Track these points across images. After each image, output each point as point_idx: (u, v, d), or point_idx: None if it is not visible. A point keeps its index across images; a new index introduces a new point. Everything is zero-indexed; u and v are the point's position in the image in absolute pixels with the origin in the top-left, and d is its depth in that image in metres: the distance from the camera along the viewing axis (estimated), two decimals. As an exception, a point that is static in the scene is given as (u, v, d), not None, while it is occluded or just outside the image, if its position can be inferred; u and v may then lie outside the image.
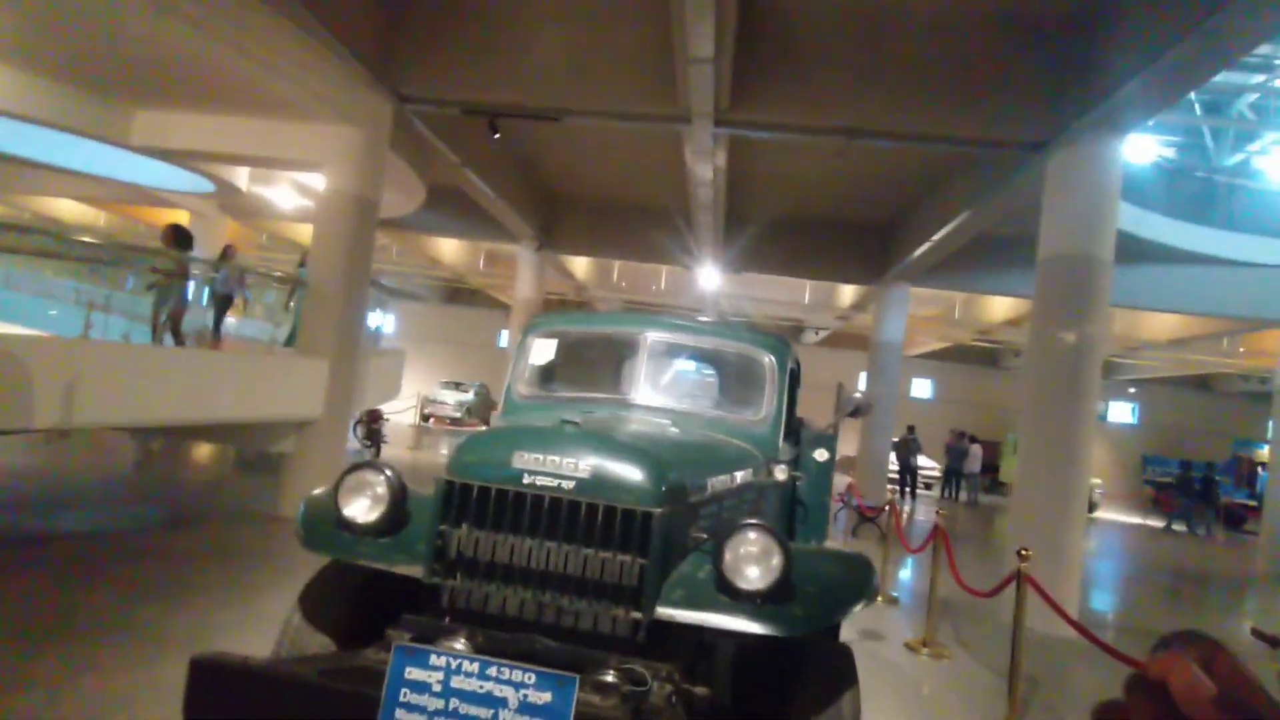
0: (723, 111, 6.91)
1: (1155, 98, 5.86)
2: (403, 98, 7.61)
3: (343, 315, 7.38)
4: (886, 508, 7.81)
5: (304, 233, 15.88)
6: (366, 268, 7.78)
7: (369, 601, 2.54)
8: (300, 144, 7.66)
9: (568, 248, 15.10)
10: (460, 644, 2.09)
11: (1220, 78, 17.39)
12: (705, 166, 8.50)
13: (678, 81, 6.58)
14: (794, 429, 3.98)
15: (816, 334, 25.03)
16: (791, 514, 4.25)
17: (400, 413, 19.01)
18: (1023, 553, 3.97)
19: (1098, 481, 18.90)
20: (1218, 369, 20.98)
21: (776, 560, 2.05)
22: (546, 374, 3.78)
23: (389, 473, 2.34)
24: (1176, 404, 25.22)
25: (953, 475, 19.03)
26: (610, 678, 1.99)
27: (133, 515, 7.16)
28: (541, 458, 2.15)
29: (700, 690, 2.15)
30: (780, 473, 3.22)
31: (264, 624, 3.95)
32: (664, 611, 2.07)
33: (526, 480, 2.14)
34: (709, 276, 15.26)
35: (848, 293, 17.98)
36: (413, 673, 1.80)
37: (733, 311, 21.35)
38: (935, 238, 10.21)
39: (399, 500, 2.34)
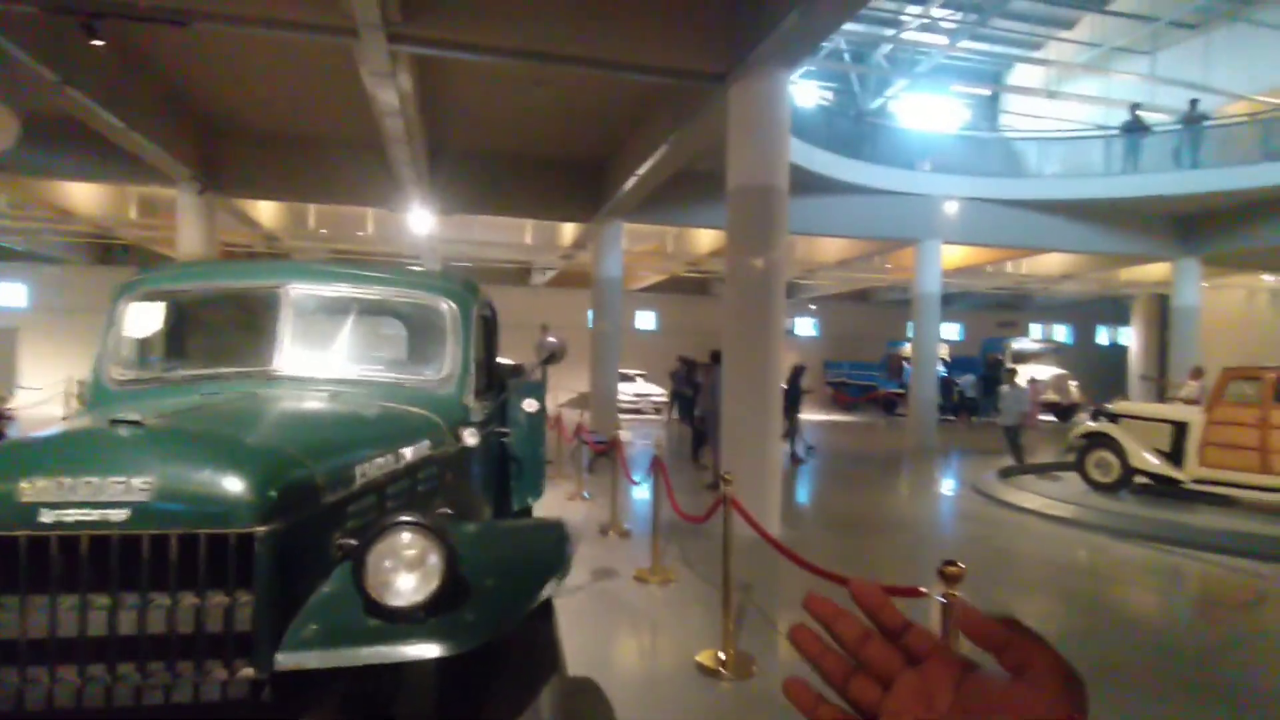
0: (394, 24, 6.02)
1: (812, 28, 6.27)
2: (-62, -17, 5.51)
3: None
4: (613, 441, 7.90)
5: None
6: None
7: None
8: None
9: (242, 190, 12.83)
10: (-33, 773, 1.39)
11: (862, 29, 20.10)
12: (389, 92, 7.51)
13: (334, -16, 5.57)
14: (493, 382, 3.59)
15: (544, 274, 24.94)
16: (503, 474, 3.91)
17: (42, 403, 15.28)
18: (725, 477, 4.08)
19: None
20: (872, 283, 25.01)
21: (435, 561, 1.64)
22: (163, 348, 2.91)
23: None
24: (846, 315, 29.79)
25: (678, 398, 20.45)
26: (218, 762, 1.46)
27: None
28: (69, 481, 1.47)
29: (359, 735, 1.70)
30: (471, 437, 2.80)
31: None
32: (288, 659, 1.55)
33: (47, 518, 1.45)
34: (420, 219, 14.13)
35: (569, 232, 17.97)
36: None
37: (453, 258, 20.29)
38: (639, 172, 10.38)
39: None
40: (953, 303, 27.39)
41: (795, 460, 12.13)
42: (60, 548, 1.47)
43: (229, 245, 17.84)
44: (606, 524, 7.09)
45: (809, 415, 22.72)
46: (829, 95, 21.83)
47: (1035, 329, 30.73)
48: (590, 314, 15.46)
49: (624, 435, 7.83)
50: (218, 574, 1.53)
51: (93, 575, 1.49)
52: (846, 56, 21.58)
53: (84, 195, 15.48)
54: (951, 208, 15.06)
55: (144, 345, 2.88)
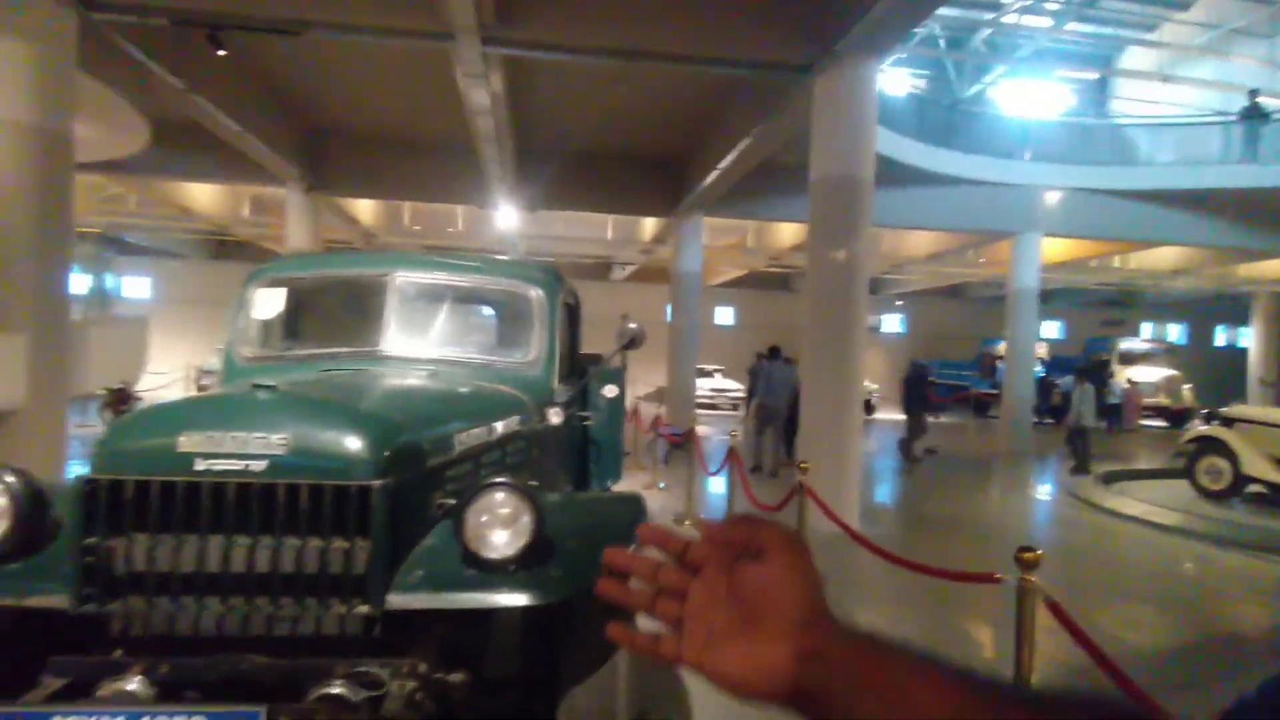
0: (488, 27, 6.30)
1: (904, 16, 6.15)
2: (89, 4, 6.14)
3: (39, 278, 6.00)
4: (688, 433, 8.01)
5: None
6: (66, 218, 6.34)
7: (31, 643, 1.96)
8: (-57, 62, 5.94)
9: (344, 189, 13.62)
10: (134, 683, 1.63)
11: (958, 13, 19.33)
12: (481, 92, 7.84)
13: (432, -10, 5.88)
14: (576, 367, 3.76)
15: (624, 269, 25.24)
16: (584, 456, 4.08)
17: (165, 387, 16.67)
18: (802, 465, 4.11)
19: (874, 387, 21.09)
20: (965, 278, 24.05)
21: (526, 520, 1.80)
22: (283, 330, 3.21)
23: (10, 477, 1.77)
24: (935, 312, 28.74)
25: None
26: (336, 689, 1.66)
27: None
28: (219, 435, 1.70)
29: (456, 677, 1.87)
30: (555, 416, 2.96)
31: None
32: (397, 600, 1.74)
33: (200, 466, 1.68)
34: (507, 215, 14.60)
35: (649, 226, 18.13)
36: (29, 746, 1.34)
37: (537, 252, 20.82)
38: (721, 166, 10.40)
39: (31, 511, 1.77)
40: (1053, 299, 25.99)
41: (912, 459, 11.70)
42: (210, 494, 1.70)
43: (331, 241, 18.92)
44: (681, 514, 7.20)
45: (890, 415, 22.07)
46: (921, 83, 21.10)
47: (1145, 328, 28.78)
48: (669, 309, 15.57)
49: (701, 429, 7.91)
50: (339, 522, 1.73)
51: (236, 519, 1.72)
52: (941, 43, 20.79)
53: (202, 195, 16.78)
54: (1053, 198, 14.32)
55: (267, 327, 3.19)
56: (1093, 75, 23.23)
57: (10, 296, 5.89)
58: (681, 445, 10.56)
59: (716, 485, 9.20)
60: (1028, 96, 21.51)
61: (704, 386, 19.85)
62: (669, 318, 15.68)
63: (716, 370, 22.66)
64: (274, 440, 1.70)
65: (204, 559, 1.72)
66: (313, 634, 1.78)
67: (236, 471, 1.69)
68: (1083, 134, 16.02)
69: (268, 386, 1.82)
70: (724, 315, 27.86)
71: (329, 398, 1.97)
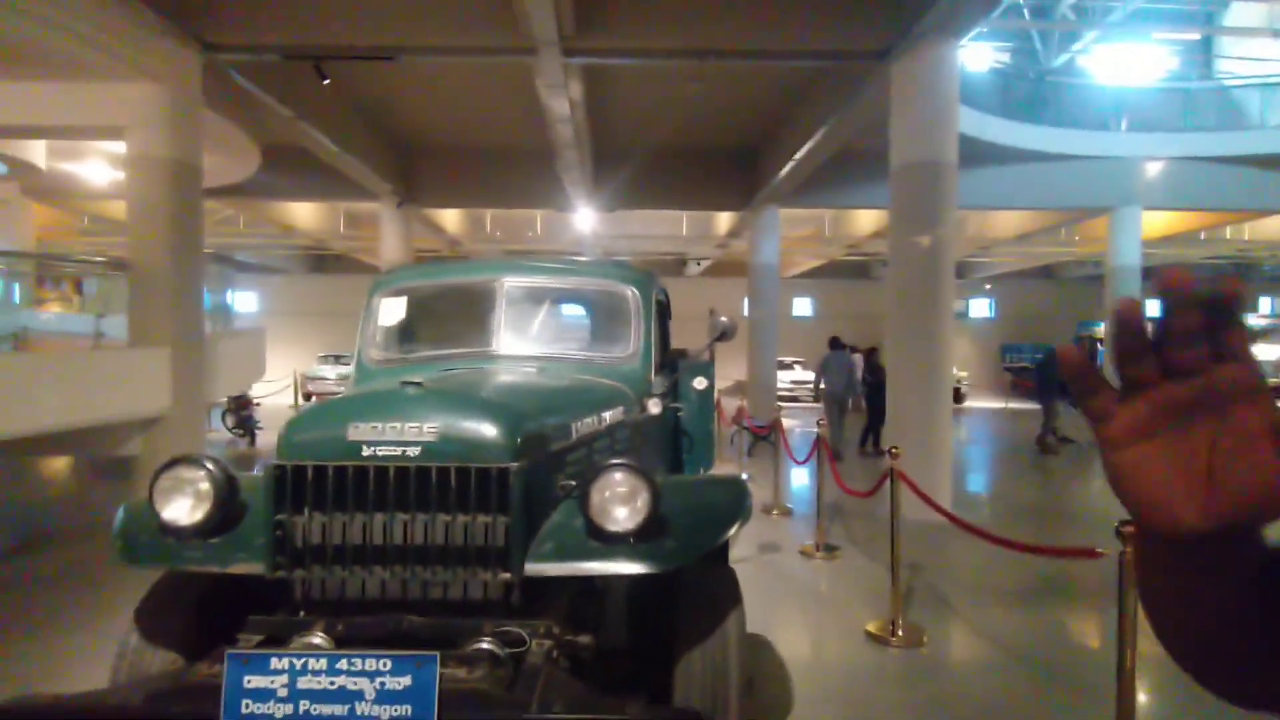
0: (568, 39, 6.57)
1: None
2: (210, 46, 6.76)
3: (177, 297, 6.66)
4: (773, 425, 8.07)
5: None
6: (197, 241, 7.02)
7: (220, 607, 2.30)
8: (93, 107, 6.67)
9: (432, 200, 14.32)
10: (318, 638, 1.91)
11: (1042, -19, 18.42)
12: (561, 101, 8.14)
13: (516, 7, 6.18)
14: (668, 361, 3.94)
15: (699, 265, 25.31)
16: (677, 445, 4.26)
17: (274, 394, 17.84)
18: (893, 450, 4.16)
19: (963, 374, 20.41)
20: (1058, 258, 22.92)
21: (643, 497, 1.99)
22: (403, 334, 3.53)
23: (210, 466, 2.09)
24: (1027, 295, 27.46)
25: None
26: (485, 644, 1.89)
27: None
28: (380, 426, 1.96)
29: (584, 639, 2.09)
30: (654, 406, 3.15)
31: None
32: (533, 568, 1.97)
33: (366, 453, 1.96)
34: (584, 217, 14.96)
35: (724, 221, 18.18)
36: (253, 681, 1.62)
37: (613, 251, 21.18)
38: (796, 156, 10.38)
39: (226, 494, 2.09)
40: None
41: (1047, 449, 11.50)
42: (375, 476, 1.97)
43: (421, 251, 19.85)
44: (769, 504, 7.29)
45: (980, 403, 21.28)
46: (1005, 57, 20.25)
47: (1264, 303, 26.65)
48: (746, 302, 15.57)
49: (783, 421, 7.96)
50: (481, 500, 1.97)
51: (396, 499, 1.98)
52: (1026, 12, 19.87)
53: (301, 212, 17.92)
54: (1154, 169, 13.53)
55: (389, 332, 3.52)
56: (1194, 35, 21.70)
57: (154, 315, 6.58)
58: (766, 437, 10.61)
59: (799, 476, 9.23)
60: (1122, 63, 20.30)
61: (784, 379, 19.72)
62: (746, 311, 15.68)
63: (796, 362, 22.45)
64: (425, 429, 1.96)
65: (369, 533, 1.99)
66: (461, 598, 2.03)
67: (395, 456, 1.95)
68: (1185, 99, 15.04)
69: (416, 383, 2.08)
70: (802, 306, 27.52)
71: (467, 392, 2.22)
